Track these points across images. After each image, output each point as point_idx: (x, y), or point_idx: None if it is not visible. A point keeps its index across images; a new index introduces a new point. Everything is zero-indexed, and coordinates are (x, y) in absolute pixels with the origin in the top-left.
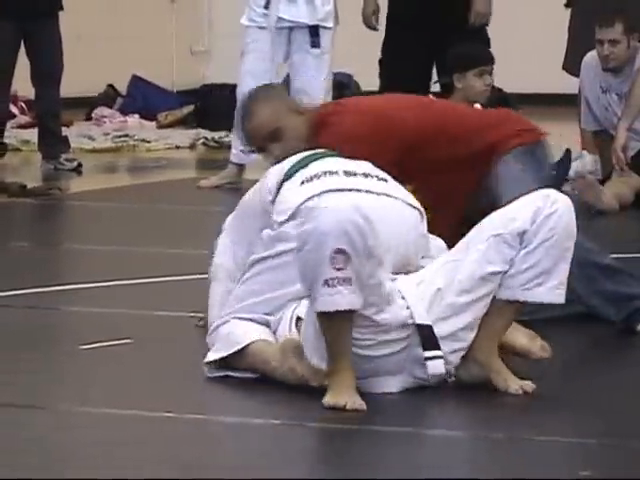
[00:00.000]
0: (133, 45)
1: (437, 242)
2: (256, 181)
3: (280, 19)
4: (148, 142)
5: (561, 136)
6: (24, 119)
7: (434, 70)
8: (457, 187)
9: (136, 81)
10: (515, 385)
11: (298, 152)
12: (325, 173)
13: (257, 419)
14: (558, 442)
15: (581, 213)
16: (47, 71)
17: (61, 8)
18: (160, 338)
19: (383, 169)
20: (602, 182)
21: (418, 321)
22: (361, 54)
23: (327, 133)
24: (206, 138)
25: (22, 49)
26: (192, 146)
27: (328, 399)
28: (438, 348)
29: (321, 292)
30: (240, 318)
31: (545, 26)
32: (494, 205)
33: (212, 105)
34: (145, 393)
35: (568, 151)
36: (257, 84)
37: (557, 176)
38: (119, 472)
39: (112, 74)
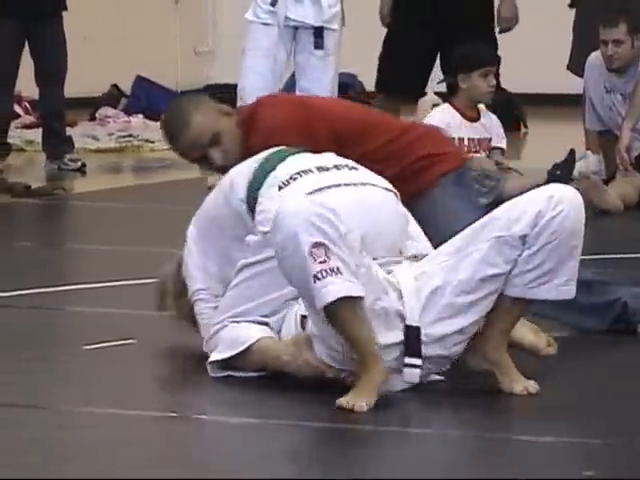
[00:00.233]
0: (137, 45)
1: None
2: None
3: (286, 18)
4: (152, 142)
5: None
6: (28, 119)
7: (432, 70)
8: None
9: (140, 81)
10: (520, 387)
11: (238, 155)
12: (299, 173)
13: (259, 419)
14: (561, 442)
15: (585, 213)
16: (51, 71)
17: (65, 8)
18: (164, 338)
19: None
20: (606, 182)
21: (408, 322)
22: (365, 55)
23: (255, 129)
24: None
25: (26, 49)
26: None
27: (348, 399)
28: (419, 356)
29: (314, 288)
30: (238, 321)
31: (550, 26)
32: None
33: None
34: (148, 393)
35: (572, 151)
36: (259, 81)
37: (561, 176)
38: (122, 472)
39: (116, 74)
